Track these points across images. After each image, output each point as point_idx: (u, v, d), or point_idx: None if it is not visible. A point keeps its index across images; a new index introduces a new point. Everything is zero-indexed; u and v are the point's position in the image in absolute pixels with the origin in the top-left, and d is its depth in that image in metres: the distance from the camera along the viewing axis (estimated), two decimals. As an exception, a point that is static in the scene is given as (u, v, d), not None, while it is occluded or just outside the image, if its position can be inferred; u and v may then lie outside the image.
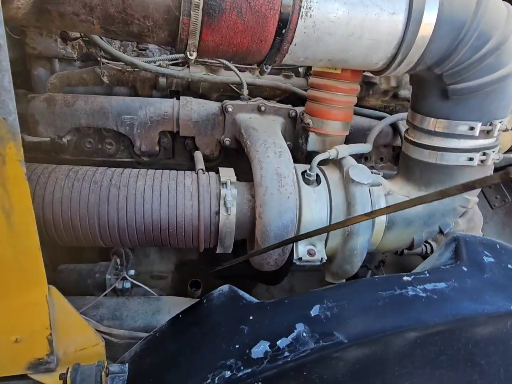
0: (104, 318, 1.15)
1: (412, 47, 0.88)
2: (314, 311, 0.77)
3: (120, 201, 0.96)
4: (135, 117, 1.33)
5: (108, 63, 1.40)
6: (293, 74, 1.54)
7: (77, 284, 1.37)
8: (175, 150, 1.50)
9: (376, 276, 0.86)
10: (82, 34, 1.34)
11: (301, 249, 1.03)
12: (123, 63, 1.40)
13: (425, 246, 1.39)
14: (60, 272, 1.39)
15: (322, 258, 1.02)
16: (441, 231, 1.11)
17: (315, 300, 0.80)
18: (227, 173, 1.05)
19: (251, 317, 0.81)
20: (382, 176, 1.07)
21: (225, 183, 1.01)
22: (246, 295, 0.93)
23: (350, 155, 1.09)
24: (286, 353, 0.69)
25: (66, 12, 0.72)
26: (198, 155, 1.20)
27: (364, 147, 1.13)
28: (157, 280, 1.75)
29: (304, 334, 0.72)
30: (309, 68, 1.61)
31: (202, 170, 1.07)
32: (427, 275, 0.83)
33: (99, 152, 1.44)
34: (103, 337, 1.09)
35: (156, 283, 1.72)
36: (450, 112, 0.97)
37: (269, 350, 0.71)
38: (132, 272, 1.50)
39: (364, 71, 1.13)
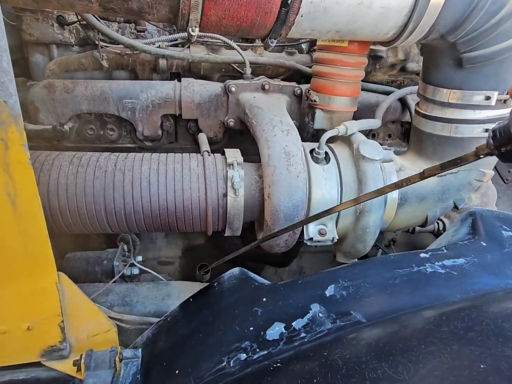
0: (114, 305, 1.15)
1: (424, 14, 0.83)
2: (329, 291, 0.75)
3: (126, 186, 0.93)
4: (136, 101, 1.30)
5: (107, 46, 1.36)
6: (296, 50, 1.49)
7: (86, 272, 1.37)
8: (178, 133, 1.47)
9: (391, 254, 0.84)
10: (79, 18, 1.30)
11: (312, 229, 1.00)
12: (122, 47, 1.37)
13: (437, 223, 1.37)
14: (67, 260, 1.38)
15: (333, 238, 1.00)
16: (455, 207, 1.08)
17: (329, 279, 0.78)
18: (233, 154, 1.02)
19: (264, 299, 0.80)
20: (393, 152, 1.03)
21: (232, 164, 0.99)
22: (258, 277, 0.91)
23: (359, 131, 1.05)
24: (303, 334, 0.67)
25: (61, -11, 0.68)
26: (202, 137, 1.17)
27: (374, 123, 1.10)
28: (164, 265, 1.75)
29: (320, 315, 0.70)
30: (312, 44, 1.56)
31: (208, 152, 1.04)
32: (445, 251, 0.80)
33: (101, 138, 1.42)
34: (116, 323, 1.10)
35: (163, 269, 1.72)
36: (465, 82, 0.92)
37: (284, 331, 0.70)
38: (139, 258, 1.49)
39: (372, 43, 1.08)
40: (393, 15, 0.82)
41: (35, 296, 0.72)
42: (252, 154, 1.16)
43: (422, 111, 1.04)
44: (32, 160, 0.95)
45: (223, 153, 1.07)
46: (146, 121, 1.34)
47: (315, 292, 0.77)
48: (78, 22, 1.31)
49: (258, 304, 0.79)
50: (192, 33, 0.77)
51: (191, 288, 1.28)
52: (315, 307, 0.73)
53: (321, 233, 1.00)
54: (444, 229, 1.38)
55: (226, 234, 1.06)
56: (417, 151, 1.09)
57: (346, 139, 1.05)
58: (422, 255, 0.80)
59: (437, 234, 1.44)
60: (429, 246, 1.06)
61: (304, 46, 1.56)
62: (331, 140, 1.05)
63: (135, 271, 1.41)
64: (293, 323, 0.71)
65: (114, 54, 1.37)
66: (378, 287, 0.74)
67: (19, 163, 0.58)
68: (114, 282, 1.28)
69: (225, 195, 0.97)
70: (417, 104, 1.09)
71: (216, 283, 0.92)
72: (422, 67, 1.05)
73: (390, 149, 1.03)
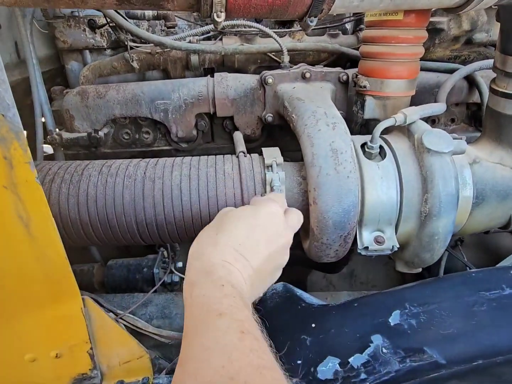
0: (153, 317, 1.10)
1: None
2: (394, 318, 0.61)
3: (156, 195, 0.86)
4: (168, 101, 1.22)
5: (137, 47, 1.30)
6: (340, 32, 1.33)
7: (127, 280, 1.35)
8: (214, 133, 1.38)
9: (472, 270, 0.68)
10: (108, 19, 1.25)
11: (367, 236, 0.86)
12: (152, 46, 1.30)
13: (519, 222, 1.15)
14: (109, 268, 1.37)
15: (393, 246, 0.85)
16: (547, 205, 0.87)
17: (393, 303, 0.64)
18: (272, 154, 0.90)
19: (313, 325, 0.68)
20: (465, 141, 0.85)
21: (270, 166, 0.87)
22: (305, 295, 0.79)
23: (421, 119, 0.88)
24: (363, 375, 0.55)
25: (72, -16, 0.60)
26: (238, 136, 1.06)
27: (438, 107, 0.92)
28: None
29: (384, 350, 0.57)
30: (358, 23, 1.38)
31: (243, 153, 0.93)
32: (544, 266, 0.63)
33: (137, 142, 1.37)
34: (154, 338, 1.04)
35: (207, 274, 1.66)
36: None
37: (339, 369, 0.57)
38: (180, 264, 1.44)
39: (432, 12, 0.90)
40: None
41: (60, 323, 0.66)
42: (294, 150, 1.03)
43: (501, 89, 0.84)
44: (62, 171, 0.91)
45: (260, 153, 0.95)
46: (180, 122, 1.27)
47: (376, 320, 0.63)
48: (107, 24, 1.27)
49: (307, 331, 0.67)
50: (218, 19, 0.66)
51: (233, 298, 1.20)
52: (377, 340, 0.60)
53: (378, 241, 0.85)
54: (527, 228, 1.15)
55: (267, 243, 0.95)
56: (495, 138, 0.89)
57: (404, 129, 0.89)
58: (514, 272, 0.63)
59: (517, 234, 1.22)
60: (513, 255, 0.87)
61: (348, 26, 1.39)
62: (386, 131, 0.90)
63: (176, 278, 1.37)
64: (350, 359, 0.58)
65: (145, 54, 1.31)
66: (458, 315, 0.59)
67: (27, 183, 0.51)
68: (155, 291, 1.23)
69: (265, 201, 0.86)
70: (493, 81, 0.89)
71: (257, 301, 0.81)
72: (500, 36, 0.85)
73: (460, 138, 0.85)
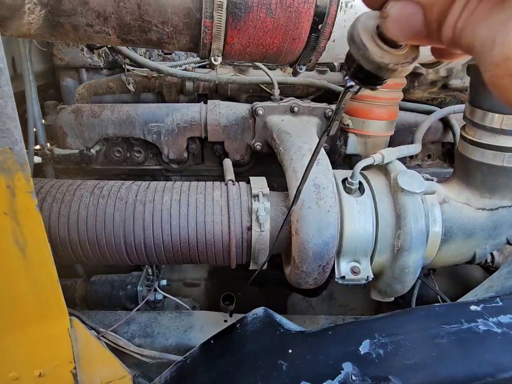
0: (135, 335, 1.12)
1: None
2: (364, 347, 0.67)
3: (146, 218, 0.90)
4: (162, 124, 1.27)
5: (134, 69, 1.35)
6: (328, 69, 1.42)
7: (110, 296, 1.35)
8: (204, 155, 1.43)
9: (436, 304, 0.74)
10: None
11: (344, 266, 0.92)
12: (148, 70, 1.36)
13: (485, 256, 1.23)
14: (93, 284, 1.37)
15: (368, 277, 0.91)
16: (508, 243, 0.96)
17: (364, 333, 0.69)
18: (259, 184, 0.96)
19: (290, 351, 0.72)
20: (436, 182, 0.93)
21: (257, 196, 0.92)
22: (284, 320, 0.84)
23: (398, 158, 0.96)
24: (333, 402, 0.59)
25: (79, 24, 0.65)
26: (227, 163, 1.12)
27: (413, 149, 1.00)
28: (190, 287, 1.71)
29: (353, 377, 0.62)
30: (345, 61, 1.48)
31: (232, 181, 0.98)
32: (500, 303, 0.70)
33: (127, 160, 1.41)
34: (135, 356, 1.06)
35: (189, 291, 1.68)
36: (521, 106, 0.81)
37: (312, 395, 0.62)
38: (164, 282, 1.46)
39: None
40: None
41: (47, 343, 0.68)
42: (280, 176, 1.09)
43: (469, 137, 0.93)
44: (54, 190, 0.94)
45: (248, 181, 1.01)
46: (172, 144, 1.31)
47: (348, 348, 0.68)
48: (106, 46, 1.32)
49: (284, 356, 0.71)
50: (215, 63, 0.72)
51: (214, 319, 1.23)
52: (348, 367, 0.64)
53: (354, 272, 0.91)
54: (492, 262, 1.24)
55: (250, 268, 1.00)
56: (463, 180, 0.98)
57: (382, 168, 0.96)
58: (473, 307, 0.70)
59: (484, 266, 1.30)
60: (478, 288, 0.95)
61: (336, 63, 1.48)
62: (365, 167, 0.97)
63: (159, 296, 1.38)
64: (323, 386, 0.63)
65: (141, 77, 1.36)
66: (421, 347, 0.65)
67: (27, 211, 0.55)
68: (138, 309, 1.25)
69: (250, 228, 0.91)
70: (463, 128, 0.98)
71: (238, 325, 0.85)
72: (470, 89, 0.94)
73: (432, 179, 0.93)
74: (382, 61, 0.33)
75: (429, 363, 0.62)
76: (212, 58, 0.72)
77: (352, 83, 0.38)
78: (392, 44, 0.33)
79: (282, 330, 0.79)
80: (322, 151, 0.95)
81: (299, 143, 0.96)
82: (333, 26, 0.67)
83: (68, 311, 1.14)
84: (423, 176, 0.91)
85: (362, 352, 0.66)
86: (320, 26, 0.66)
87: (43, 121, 1.34)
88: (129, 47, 1.25)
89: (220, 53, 0.72)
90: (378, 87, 0.38)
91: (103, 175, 1.42)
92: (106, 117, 1.26)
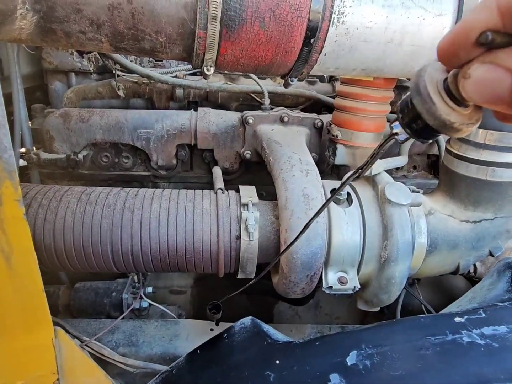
0: (119, 344, 1.09)
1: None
2: (351, 358, 0.67)
3: (134, 226, 0.89)
4: (151, 130, 1.27)
5: (124, 75, 1.35)
6: (317, 79, 1.44)
7: (94, 304, 1.33)
8: (193, 162, 1.43)
9: (421, 316, 0.75)
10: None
11: (331, 276, 0.93)
12: (139, 76, 1.35)
13: (468, 266, 1.26)
14: (76, 291, 1.35)
15: (355, 287, 0.91)
16: (491, 254, 0.98)
17: (351, 344, 0.70)
18: (248, 193, 0.96)
19: (277, 361, 0.72)
20: (421, 194, 0.95)
21: (246, 205, 0.93)
22: (271, 331, 0.84)
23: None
24: (320, 414, 0.59)
25: (72, 31, 0.65)
26: (217, 172, 1.12)
27: (400, 161, 1.02)
28: (176, 295, 1.69)
29: (340, 389, 0.62)
30: (334, 72, 1.51)
31: (222, 190, 0.98)
32: (483, 315, 0.71)
33: (115, 166, 1.40)
34: (119, 366, 1.04)
35: (175, 298, 1.66)
36: (503, 122, 0.84)
37: (299, 407, 0.62)
38: (149, 289, 1.44)
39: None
40: (426, 52, 0.76)
41: (30, 353, 0.67)
42: (269, 184, 1.10)
43: (454, 151, 0.95)
44: (40, 196, 0.92)
45: (237, 190, 1.01)
46: (161, 151, 1.31)
47: (335, 358, 0.68)
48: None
49: (271, 367, 0.71)
50: (207, 73, 0.73)
51: (200, 328, 1.21)
52: (335, 379, 0.65)
53: (341, 282, 0.92)
54: (475, 273, 1.27)
55: (238, 277, 1.00)
56: (448, 192, 1.00)
57: (370, 179, 0.98)
58: (457, 319, 0.71)
59: (467, 276, 1.33)
60: (461, 298, 0.97)
61: (325, 75, 1.51)
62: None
63: (144, 304, 1.37)
64: (310, 397, 0.63)
65: (131, 83, 1.35)
66: (407, 358, 0.66)
67: (13, 219, 0.54)
68: (123, 318, 1.23)
69: (238, 237, 0.91)
70: (448, 142, 1.01)
71: (225, 335, 0.85)
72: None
73: (418, 191, 0.95)
74: (449, 119, 0.32)
75: (414, 374, 0.63)
76: (205, 68, 0.73)
77: (398, 130, 0.37)
78: (459, 103, 0.32)
79: (269, 341, 0.78)
80: (311, 161, 0.96)
81: (288, 153, 0.97)
82: (325, 41, 0.69)
83: (52, 319, 1.13)
84: (409, 188, 0.93)
85: (349, 363, 0.66)
86: (312, 40, 0.67)
87: (30, 124, 1.31)
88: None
89: (213, 63, 0.72)
90: (429, 141, 0.36)
91: (90, 180, 1.40)
92: (94, 122, 1.25)
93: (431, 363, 0.64)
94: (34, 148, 1.35)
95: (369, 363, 0.65)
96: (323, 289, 0.93)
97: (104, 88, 1.36)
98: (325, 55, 0.72)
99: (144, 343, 1.11)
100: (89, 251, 0.88)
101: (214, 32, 0.63)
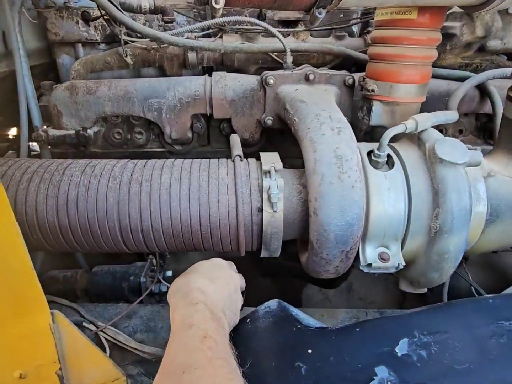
0: (137, 330, 1.02)
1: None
2: (401, 347, 0.54)
3: (143, 200, 0.79)
4: (162, 100, 1.16)
5: (132, 41, 1.24)
6: (346, 34, 1.27)
7: (112, 288, 1.27)
8: (211, 135, 1.32)
9: (488, 296, 0.61)
10: (102, 12, 1.19)
11: (370, 252, 0.79)
12: (148, 41, 1.24)
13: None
14: (94, 275, 1.29)
15: (398, 264, 0.78)
16: None
17: (400, 329, 0.57)
18: (271, 159, 0.84)
19: (309, 351, 0.60)
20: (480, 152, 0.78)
21: (269, 172, 0.80)
22: (301, 315, 0.72)
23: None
24: (366, 417, 0.47)
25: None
26: (234, 139, 1.00)
27: (452, 115, 0.85)
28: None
29: (391, 387, 0.50)
30: (365, 25, 1.33)
31: (240, 157, 0.86)
32: None
33: (128, 143, 1.31)
34: (136, 353, 0.96)
35: (197, 282, 1.58)
36: None
37: (339, 407, 0.50)
38: (169, 273, 1.36)
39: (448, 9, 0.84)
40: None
41: (26, 340, 0.59)
42: (295, 157, 0.97)
43: (520, 97, 0.78)
44: (42, 170, 0.84)
45: (258, 158, 0.89)
46: (174, 122, 1.20)
47: (381, 348, 0.56)
48: (102, 17, 1.20)
49: (302, 358, 0.60)
50: (216, 6, 0.60)
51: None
52: (382, 372, 0.52)
53: (383, 258, 0.78)
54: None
55: (262, 255, 0.88)
56: (511, 150, 0.83)
57: (415, 138, 0.83)
58: (537, 300, 0.56)
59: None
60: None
61: (355, 28, 1.33)
62: (394, 139, 0.83)
63: (164, 288, 1.29)
64: (352, 395, 0.51)
65: (140, 50, 1.24)
66: (474, 347, 0.52)
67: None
68: (140, 302, 1.15)
69: (260, 209, 0.79)
70: (511, 88, 0.83)
71: (248, 320, 0.74)
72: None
73: (475, 149, 0.79)
74: None
75: (486, 367, 0.49)
76: (213, 1, 0.60)
77: None
78: None
79: (299, 326, 0.67)
80: (343, 118, 0.81)
81: (316, 111, 0.83)
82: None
83: (65, 303, 1.06)
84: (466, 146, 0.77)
85: (399, 354, 0.54)
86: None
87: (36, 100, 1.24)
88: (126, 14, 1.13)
89: (221, -6, 0.59)
90: None
91: (103, 159, 1.32)
92: (102, 93, 1.15)
93: (506, 354, 0.50)
94: (44, 126, 1.28)
95: (426, 354, 0.52)
96: (361, 268, 0.80)
97: (112, 57, 1.26)
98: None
99: (163, 328, 1.03)
100: (96, 228, 0.79)
101: None
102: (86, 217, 0.78)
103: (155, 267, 1.32)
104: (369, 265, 0.78)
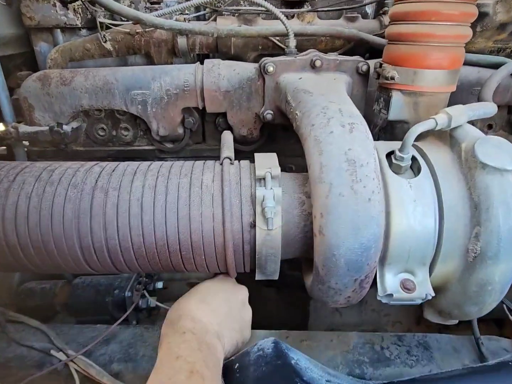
0: (114, 360, 0.88)
1: None
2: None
3: (108, 212, 0.64)
4: (147, 91, 1.01)
5: (114, 25, 1.09)
6: (359, 15, 1.10)
7: (95, 303, 1.13)
8: (206, 132, 1.17)
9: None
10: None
11: (391, 279, 0.63)
12: (131, 25, 1.09)
13: None
14: (75, 288, 1.15)
15: (426, 295, 0.62)
16: None
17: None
18: (267, 162, 0.68)
19: (312, 422, 0.45)
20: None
21: (263, 178, 0.65)
22: (303, 362, 0.57)
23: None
24: None
25: None
26: (226, 137, 0.84)
27: (491, 108, 0.69)
28: (196, 288, 1.47)
29: None
30: (380, 5, 1.15)
31: (230, 159, 0.71)
32: None
33: (114, 140, 1.17)
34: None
35: (193, 292, 1.44)
36: None
37: None
38: (159, 284, 1.23)
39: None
40: None
41: None
42: (299, 155, 0.81)
43: None
44: (-9, 174, 0.69)
45: (253, 160, 0.73)
46: (162, 117, 1.05)
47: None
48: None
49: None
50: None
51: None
52: None
53: (406, 288, 0.62)
54: None
55: (257, 278, 0.73)
56: None
57: (446, 136, 0.66)
58: None
59: None
60: None
61: (369, 9, 1.16)
62: (419, 137, 0.67)
63: (152, 303, 1.15)
64: None
65: (123, 35, 1.09)
66: None
67: None
68: (125, 320, 1.01)
69: (253, 225, 0.64)
70: None
71: (237, 366, 0.59)
72: None
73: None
74: None
75: None
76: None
77: None
78: None
79: (302, 381, 0.52)
80: (357, 111, 0.65)
81: (323, 103, 0.67)
82: None
83: (34, 325, 0.92)
84: None
85: None
86: None
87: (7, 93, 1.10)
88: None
89: None
90: None
91: (86, 158, 1.18)
92: (78, 84, 1.01)
93: None
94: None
95: None
96: (379, 298, 0.64)
97: (92, 43, 1.11)
98: None
99: (144, 357, 0.89)
100: (51, 248, 0.65)
101: None
102: (39, 234, 0.64)
103: (144, 278, 1.18)
104: (390, 295, 0.62)
